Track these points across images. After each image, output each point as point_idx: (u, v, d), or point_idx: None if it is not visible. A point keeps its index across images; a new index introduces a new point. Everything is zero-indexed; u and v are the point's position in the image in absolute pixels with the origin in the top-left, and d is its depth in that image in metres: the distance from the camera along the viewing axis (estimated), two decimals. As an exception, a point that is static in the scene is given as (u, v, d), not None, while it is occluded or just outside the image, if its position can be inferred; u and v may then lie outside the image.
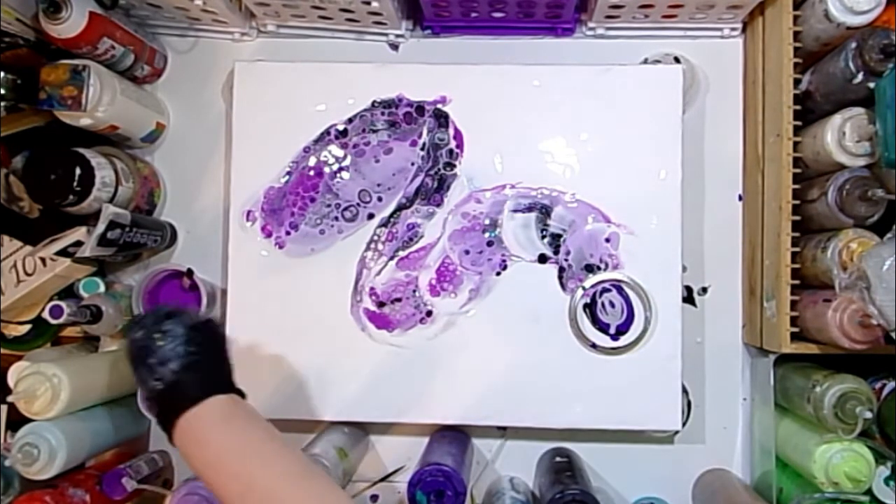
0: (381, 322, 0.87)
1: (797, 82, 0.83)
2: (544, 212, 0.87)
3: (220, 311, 0.93)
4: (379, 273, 0.87)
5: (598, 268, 0.86)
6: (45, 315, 0.81)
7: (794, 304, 0.81)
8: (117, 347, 0.94)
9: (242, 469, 0.59)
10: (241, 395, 0.66)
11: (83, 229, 0.83)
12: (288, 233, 0.88)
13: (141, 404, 0.85)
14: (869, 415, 0.75)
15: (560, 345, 0.85)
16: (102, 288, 0.90)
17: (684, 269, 0.89)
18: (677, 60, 0.91)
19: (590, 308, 0.86)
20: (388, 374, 0.86)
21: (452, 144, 0.88)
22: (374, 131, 0.88)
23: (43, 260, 0.85)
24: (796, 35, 0.82)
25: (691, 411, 0.92)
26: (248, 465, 0.59)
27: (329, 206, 0.88)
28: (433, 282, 0.87)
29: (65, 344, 0.95)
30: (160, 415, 0.64)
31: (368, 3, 0.84)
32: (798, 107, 0.82)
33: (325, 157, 0.88)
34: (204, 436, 0.62)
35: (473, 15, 0.91)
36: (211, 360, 0.67)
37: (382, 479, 0.92)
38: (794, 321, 0.80)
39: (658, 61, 0.92)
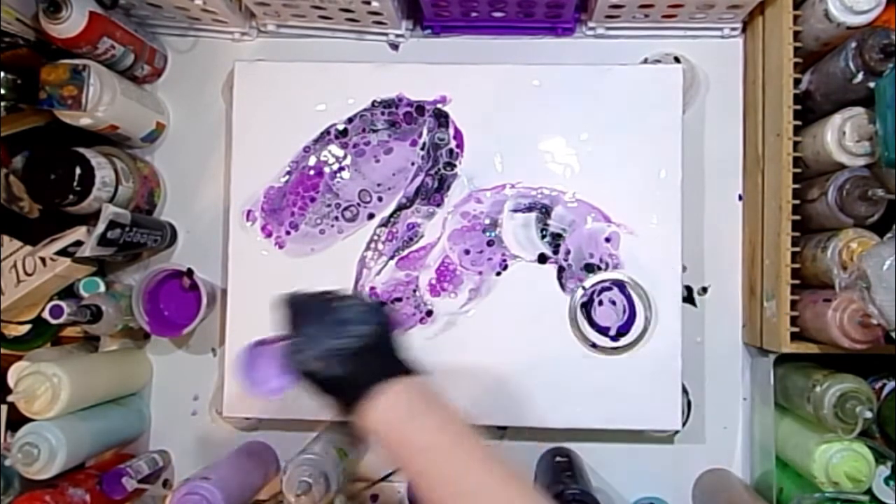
0: (381, 322, 0.87)
1: (797, 82, 0.83)
2: (544, 211, 0.87)
3: (220, 311, 0.93)
4: (379, 273, 0.87)
5: (598, 267, 0.86)
6: (45, 315, 0.81)
7: (794, 304, 0.81)
8: (117, 347, 0.94)
9: (445, 455, 0.56)
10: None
11: (83, 229, 0.83)
12: (288, 232, 0.88)
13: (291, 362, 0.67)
14: (869, 415, 0.75)
15: (560, 345, 0.85)
16: (102, 288, 0.90)
17: (684, 269, 0.89)
18: (677, 60, 0.91)
19: (586, 308, 0.85)
20: (388, 374, 0.86)
21: (452, 144, 0.88)
22: (374, 131, 0.88)
23: (43, 260, 0.85)
24: (796, 35, 0.82)
25: (691, 411, 0.92)
26: (449, 452, 0.56)
27: (329, 205, 0.88)
28: (433, 282, 0.87)
29: (65, 344, 0.95)
30: (345, 385, 0.58)
31: (368, 3, 0.84)
32: (798, 107, 0.82)
33: (326, 156, 0.88)
34: (406, 414, 0.57)
35: (473, 15, 0.91)
36: (397, 340, 0.62)
37: (382, 479, 0.92)
38: (794, 321, 0.80)
39: (658, 61, 0.92)
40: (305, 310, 0.62)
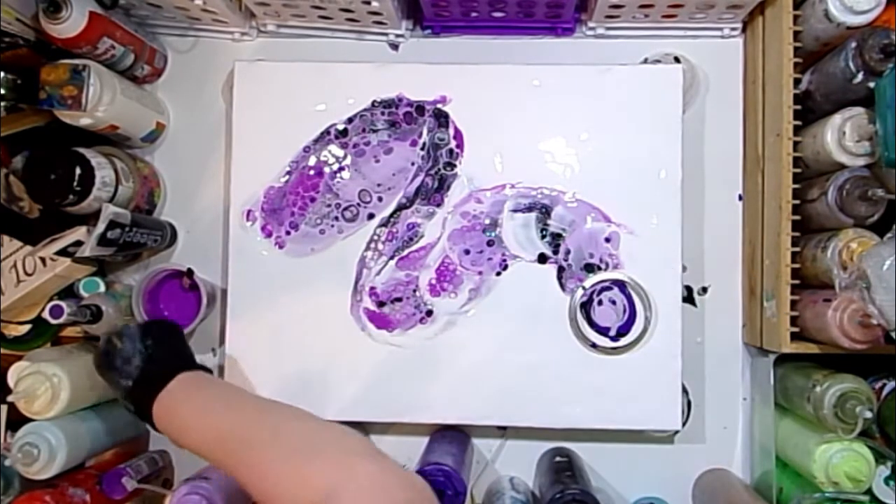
0: (381, 322, 0.87)
1: (797, 82, 0.83)
2: (544, 211, 0.87)
3: (220, 311, 0.93)
4: (379, 273, 0.87)
5: (599, 267, 0.86)
6: (45, 315, 0.81)
7: (794, 304, 0.81)
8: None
9: (217, 419, 0.63)
10: (209, 371, 0.72)
11: (83, 229, 0.83)
12: (288, 232, 0.88)
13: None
14: (869, 414, 0.75)
15: (560, 345, 0.85)
16: (102, 288, 0.90)
17: (684, 269, 0.89)
18: (677, 60, 0.91)
19: (585, 308, 0.85)
20: (388, 374, 0.86)
21: (452, 144, 0.88)
22: (374, 131, 0.88)
23: (43, 260, 0.85)
24: (796, 35, 0.82)
25: (691, 411, 0.92)
26: (221, 415, 0.63)
27: (329, 205, 0.88)
28: (433, 281, 0.87)
29: (65, 344, 0.94)
30: (138, 410, 0.69)
31: (368, 3, 0.84)
32: (798, 107, 0.82)
33: (325, 156, 0.88)
34: (177, 405, 0.66)
35: (473, 15, 0.91)
36: (169, 348, 0.73)
37: (382, 479, 0.92)
38: (794, 321, 0.80)
39: (658, 61, 0.92)
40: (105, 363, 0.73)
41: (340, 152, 0.88)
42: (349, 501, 0.50)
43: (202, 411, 0.65)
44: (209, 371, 0.72)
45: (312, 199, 0.88)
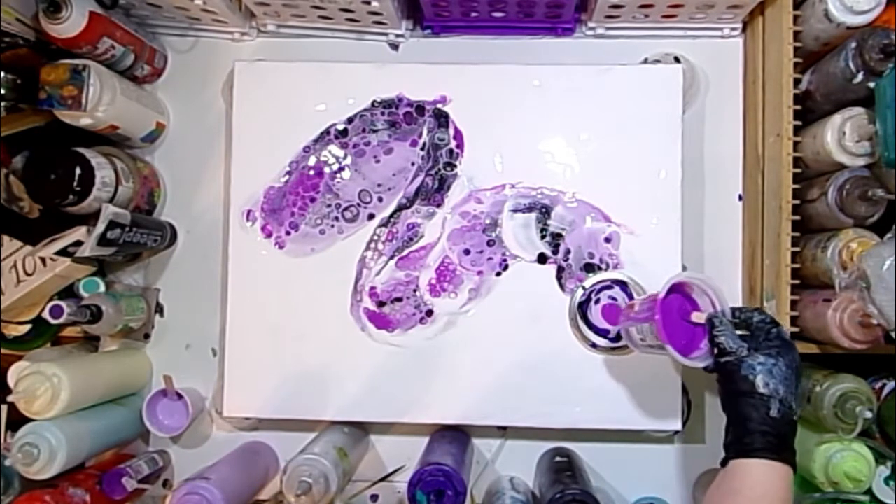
0: (381, 322, 0.87)
1: (797, 82, 0.83)
2: (544, 211, 0.87)
3: (220, 311, 0.93)
4: (379, 273, 0.87)
5: (599, 267, 0.86)
6: (45, 315, 0.81)
7: (794, 304, 0.81)
8: (117, 347, 0.95)
9: None
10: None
11: (83, 229, 0.83)
12: (288, 233, 0.88)
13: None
14: (869, 415, 0.75)
15: (560, 345, 0.85)
16: (102, 288, 0.90)
17: (684, 268, 0.88)
18: (677, 60, 0.91)
19: (583, 308, 0.85)
20: (388, 374, 0.86)
21: (452, 144, 0.88)
22: (375, 131, 0.88)
23: (43, 260, 0.85)
24: (796, 35, 0.82)
25: (691, 411, 0.92)
26: None
27: (329, 205, 0.88)
28: (433, 281, 0.87)
29: (65, 344, 0.95)
30: (741, 431, 0.62)
31: (368, 3, 0.84)
32: (798, 107, 0.82)
33: (326, 156, 0.88)
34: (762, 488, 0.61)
35: (473, 15, 0.91)
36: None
37: (382, 479, 0.92)
38: (794, 321, 0.81)
39: (658, 61, 0.92)
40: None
41: (340, 152, 0.88)
42: None
43: None
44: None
45: (312, 199, 0.88)
